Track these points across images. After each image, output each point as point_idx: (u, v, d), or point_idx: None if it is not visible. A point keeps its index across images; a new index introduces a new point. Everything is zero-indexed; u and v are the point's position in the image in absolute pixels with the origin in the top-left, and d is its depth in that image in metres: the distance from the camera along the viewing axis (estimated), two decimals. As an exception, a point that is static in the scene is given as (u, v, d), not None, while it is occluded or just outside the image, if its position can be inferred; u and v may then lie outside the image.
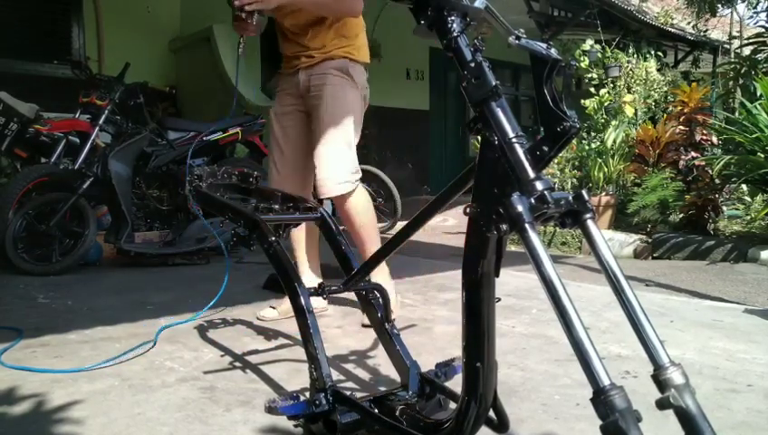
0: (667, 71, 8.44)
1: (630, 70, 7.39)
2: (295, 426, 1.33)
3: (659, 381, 0.78)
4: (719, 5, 7.67)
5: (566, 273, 4.04)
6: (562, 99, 0.88)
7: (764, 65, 5.95)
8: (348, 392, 1.31)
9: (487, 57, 0.94)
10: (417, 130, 9.22)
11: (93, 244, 3.64)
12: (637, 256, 5.06)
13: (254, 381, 1.78)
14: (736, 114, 5.42)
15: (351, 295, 1.51)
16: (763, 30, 6.48)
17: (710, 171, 5.07)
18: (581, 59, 7.11)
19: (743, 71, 6.16)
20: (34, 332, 2.20)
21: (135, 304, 2.70)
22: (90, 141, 3.73)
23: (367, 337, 2.15)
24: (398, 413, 1.23)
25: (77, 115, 3.99)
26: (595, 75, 7.14)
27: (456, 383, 1.14)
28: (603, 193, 5.76)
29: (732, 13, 9.36)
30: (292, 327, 1.92)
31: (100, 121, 3.79)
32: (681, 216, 5.36)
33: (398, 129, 8.73)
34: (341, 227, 1.64)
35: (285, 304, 2.28)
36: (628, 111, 6.92)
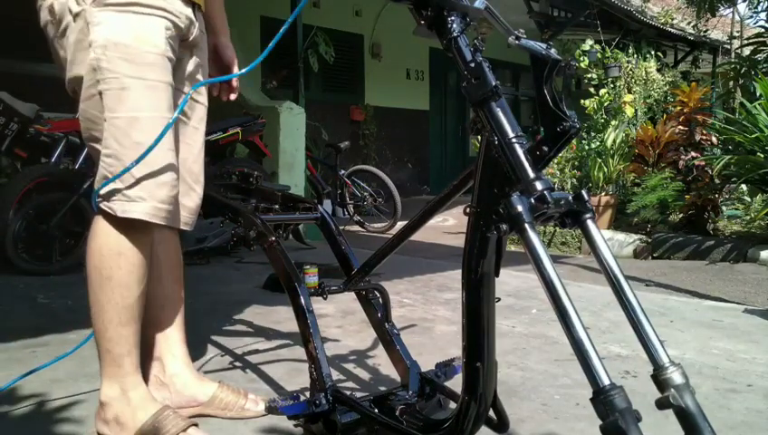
0: (667, 71, 8.45)
1: (630, 70, 7.39)
2: (295, 426, 1.33)
3: (659, 381, 0.78)
4: (719, 5, 7.66)
5: (566, 273, 4.04)
6: (562, 99, 0.88)
7: (764, 65, 5.95)
8: (348, 392, 1.31)
9: (487, 57, 0.94)
10: (417, 130, 9.22)
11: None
12: (637, 256, 5.06)
13: (254, 381, 1.78)
14: (736, 114, 5.42)
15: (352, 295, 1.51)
16: (763, 30, 6.47)
17: (710, 171, 5.07)
18: (581, 59, 7.11)
19: (743, 71, 6.15)
20: (34, 332, 2.20)
21: (135, 304, 2.69)
22: (90, 141, 3.73)
23: (367, 337, 2.15)
24: (398, 413, 1.23)
25: (77, 115, 3.98)
26: (595, 75, 7.14)
27: (456, 383, 1.14)
28: (603, 193, 5.76)
29: (732, 13, 9.36)
30: (292, 327, 1.92)
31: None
32: (681, 216, 5.36)
33: (397, 129, 8.73)
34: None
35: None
36: (628, 111, 6.92)
